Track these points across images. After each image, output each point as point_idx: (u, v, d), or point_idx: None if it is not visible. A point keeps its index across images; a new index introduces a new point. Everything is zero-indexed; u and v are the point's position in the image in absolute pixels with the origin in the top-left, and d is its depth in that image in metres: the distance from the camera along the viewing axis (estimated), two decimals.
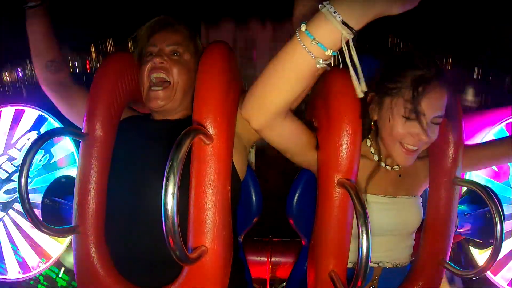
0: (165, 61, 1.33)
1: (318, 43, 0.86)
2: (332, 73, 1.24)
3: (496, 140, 1.43)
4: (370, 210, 1.27)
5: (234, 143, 1.22)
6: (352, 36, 0.84)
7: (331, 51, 0.87)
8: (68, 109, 1.48)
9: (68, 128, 1.26)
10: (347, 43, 0.85)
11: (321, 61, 0.89)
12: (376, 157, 1.35)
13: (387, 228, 1.32)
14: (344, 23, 0.83)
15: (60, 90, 1.48)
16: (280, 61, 0.95)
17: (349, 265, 1.26)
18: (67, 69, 1.51)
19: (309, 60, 0.89)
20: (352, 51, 0.86)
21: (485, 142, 1.43)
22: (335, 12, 0.82)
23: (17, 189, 1.12)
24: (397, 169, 1.37)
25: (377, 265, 1.34)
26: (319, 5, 0.85)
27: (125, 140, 1.33)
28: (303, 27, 0.87)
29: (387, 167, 1.35)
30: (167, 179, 0.86)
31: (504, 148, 1.37)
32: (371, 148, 1.36)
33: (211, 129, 1.11)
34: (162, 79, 1.33)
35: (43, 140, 1.13)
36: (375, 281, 1.35)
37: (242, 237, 1.65)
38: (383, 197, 1.34)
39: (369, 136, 1.36)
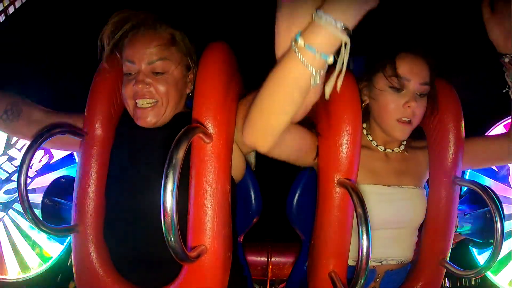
0: (148, 85, 1.22)
1: (321, 54, 0.80)
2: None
3: (497, 135, 1.42)
4: (374, 202, 1.28)
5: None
6: (349, 38, 0.80)
7: (331, 57, 0.82)
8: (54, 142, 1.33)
9: (68, 126, 1.25)
10: (345, 45, 0.81)
11: (319, 74, 0.84)
12: (374, 143, 1.39)
13: (391, 220, 1.32)
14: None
15: (35, 128, 1.31)
16: (277, 82, 0.89)
17: (353, 263, 1.25)
18: (27, 105, 1.33)
19: (308, 74, 0.83)
20: (346, 53, 0.83)
21: (485, 136, 1.43)
22: (334, 21, 0.77)
23: (16, 189, 1.12)
24: (397, 151, 1.40)
25: (380, 264, 1.33)
26: (314, 16, 0.79)
27: (124, 138, 1.33)
28: (301, 42, 0.81)
29: (387, 150, 1.38)
30: (166, 177, 0.86)
31: (504, 143, 1.35)
32: (368, 136, 1.39)
33: (210, 128, 1.11)
34: (149, 103, 1.24)
35: (43, 138, 1.13)
36: (377, 283, 1.35)
37: (242, 238, 1.64)
38: (387, 187, 1.34)
39: (366, 134, 1.40)
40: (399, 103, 1.27)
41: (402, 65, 1.27)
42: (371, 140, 1.39)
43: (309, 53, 0.80)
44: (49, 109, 1.36)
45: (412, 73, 1.27)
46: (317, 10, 0.78)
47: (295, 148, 1.19)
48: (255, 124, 0.98)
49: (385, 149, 1.38)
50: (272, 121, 0.95)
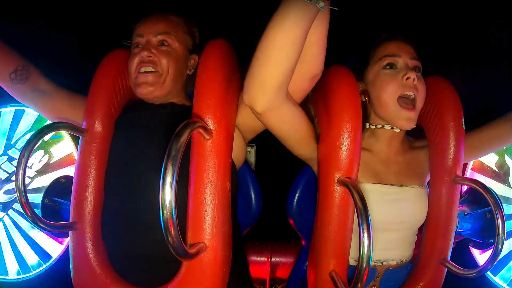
0: (153, 54, 1.30)
1: None
2: (332, 70, 1.25)
3: (495, 121, 1.42)
4: (377, 201, 1.28)
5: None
6: None
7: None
8: (55, 116, 1.40)
9: (68, 123, 1.26)
10: None
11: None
12: (376, 146, 1.37)
13: (394, 221, 1.31)
14: None
15: (39, 98, 1.39)
16: (271, 30, 0.97)
17: (354, 262, 1.25)
18: (37, 72, 1.38)
19: (300, 17, 0.93)
20: None
21: (484, 126, 1.43)
22: None
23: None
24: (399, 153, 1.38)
25: (381, 264, 1.33)
26: None
27: (122, 135, 1.33)
28: None
29: (394, 129, 1.35)
30: (165, 169, 0.85)
31: (504, 127, 1.37)
32: (370, 139, 1.38)
33: (211, 124, 1.11)
34: (151, 71, 1.31)
35: (42, 134, 1.13)
36: (377, 281, 1.34)
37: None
38: (391, 186, 1.33)
39: (368, 126, 1.38)
40: (398, 78, 1.28)
41: (389, 46, 1.33)
42: (374, 143, 1.38)
43: None
44: (55, 84, 1.42)
45: (400, 49, 1.32)
46: None
47: (291, 124, 1.21)
48: (252, 76, 1.05)
49: (387, 152, 1.38)
50: (267, 72, 1.01)
